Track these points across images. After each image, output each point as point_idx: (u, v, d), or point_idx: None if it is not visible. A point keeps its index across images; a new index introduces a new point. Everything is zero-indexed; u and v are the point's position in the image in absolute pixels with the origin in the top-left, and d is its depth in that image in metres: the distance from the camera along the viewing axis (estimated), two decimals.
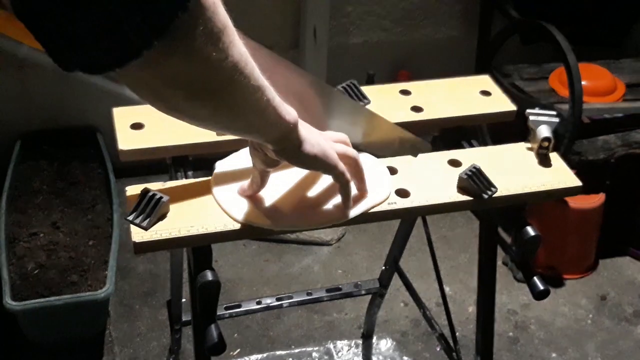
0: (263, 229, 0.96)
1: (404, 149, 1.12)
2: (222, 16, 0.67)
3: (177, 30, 0.61)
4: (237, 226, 0.95)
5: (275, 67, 0.97)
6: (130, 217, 0.93)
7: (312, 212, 0.98)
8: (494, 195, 1.03)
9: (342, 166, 0.94)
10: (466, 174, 1.02)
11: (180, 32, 0.62)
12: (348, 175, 0.95)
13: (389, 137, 1.13)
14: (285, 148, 0.88)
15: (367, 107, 1.16)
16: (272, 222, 0.96)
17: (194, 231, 0.94)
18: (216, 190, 1.00)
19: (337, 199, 0.98)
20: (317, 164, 0.91)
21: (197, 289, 0.95)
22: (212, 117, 0.78)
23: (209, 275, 0.94)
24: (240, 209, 0.96)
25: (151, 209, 0.93)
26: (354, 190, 0.98)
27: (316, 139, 0.91)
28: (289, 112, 0.85)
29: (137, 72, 0.66)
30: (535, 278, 1.11)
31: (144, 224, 0.92)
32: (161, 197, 0.94)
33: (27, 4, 0.57)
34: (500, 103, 1.23)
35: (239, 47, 0.71)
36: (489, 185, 1.03)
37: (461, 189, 1.04)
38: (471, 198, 1.03)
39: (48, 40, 0.59)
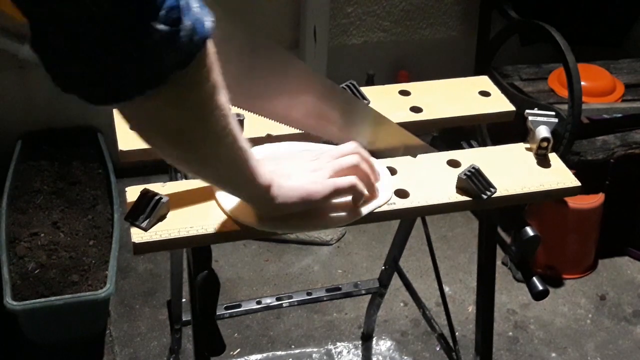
0: (265, 231, 0.96)
1: (407, 151, 1.13)
2: (216, 76, 0.71)
3: (173, 82, 0.65)
4: (237, 227, 0.95)
5: (288, 67, 0.98)
6: (130, 218, 0.93)
7: (319, 214, 0.97)
8: (493, 196, 1.03)
9: (339, 186, 0.94)
10: (465, 174, 1.03)
11: (175, 84, 0.66)
12: (352, 187, 0.96)
13: (396, 142, 1.13)
14: (262, 206, 0.91)
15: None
16: (279, 225, 0.95)
17: (193, 232, 0.94)
18: (220, 194, 0.99)
19: (343, 201, 0.98)
20: (304, 204, 0.93)
21: (196, 289, 0.95)
22: (186, 163, 0.81)
23: (209, 276, 0.95)
24: (245, 213, 0.96)
25: (151, 209, 0.93)
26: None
27: (294, 184, 0.92)
28: (262, 174, 0.87)
29: (125, 109, 0.70)
30: (534, 278, 1.12)
31: (144, 224, 0.93)
32: (161, 198, 0.94)
33: (41, 41, 0.63)
34: (499, 103, 1.23)
35: (226, 106, 0.74)
36: (488, 185, 1.04)
37: (460, 189, 1.04)
38: (470, 198, 1.03)
39: (53, 71, 0.66)
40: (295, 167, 0.95)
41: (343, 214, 0.98)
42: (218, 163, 0.81)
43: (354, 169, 0.97)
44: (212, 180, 0.88)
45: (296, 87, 0.99)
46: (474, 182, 1.02)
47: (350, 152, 0.99)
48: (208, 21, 0.66)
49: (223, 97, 0.73)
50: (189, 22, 0.64)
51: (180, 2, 0.62)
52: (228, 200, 0.97)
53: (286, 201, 0.91)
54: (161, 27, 0.61)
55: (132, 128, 0.74)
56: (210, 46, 0.68)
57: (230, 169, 0.83)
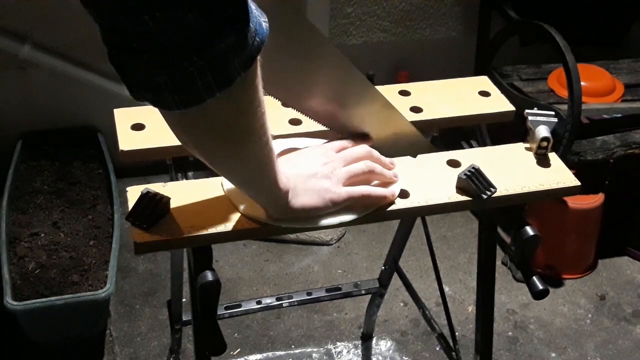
0: (265, 231, 0.96)
1: (409, 148, 1.13)
2: (260, 73, 0.73)
3: (238, 84, 0.68)
4: (238, 226, 0.95)
5: (315, 48, 0.98)
6: (131, 218, 0.93)
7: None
8: (493, 196, 1.04)
9: (352, 195, 0.97)
10: (465, 174, 1.03)
11: (236, 85, 0.69)
12: (365, 197, 0.98)
13: (400, 133, 1.13)
14: (276, 209, 0.93)
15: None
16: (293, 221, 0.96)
17: (194, 232, 0.94)
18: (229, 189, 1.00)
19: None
20: (317, 211, 0.95)
21: (197, 289, 0.95)
22: (224, 162, 0.82)
23: (209, 276, 0.95)
24: (254, 207, 0.96)
25: (151, 209, 0.93)
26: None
27: (309, 191, 0.94)
28: (282, 178, 0.89)
29: (184, 115, 0.71)
30: (534, 278, 1.12)
31: (145, 224, 0.93)
32: (162, 198, 0.94)
33: (120, 54, 0.65)
34: (499, 103, 1.23)
35: (264, 103, 0.77)
36: (488, 185, 1.04)
37: (460, 189, 1.04)
38: (470, 198, 1.03)
39: (130, 81, 0.68)
40: (309, 171, 0.96)
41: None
42: (251, 162, 0.82)
43: (368, 174, 1.00)
44: (238, 180, 0.89)
45: (317, 70, 1.01)
46: (473, 182, 1.02)
47: (362, 155, 1.01)
48: (265, 22, 0.69)
49: (262, 94, 0.75)
50: (252, 25, 0.67)
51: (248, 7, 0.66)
52: (240, 198, 0.97)
53: (301, 207, 0.93)
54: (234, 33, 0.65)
55: (180, 132, 0.75)
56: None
57: (258, 168, 0.84)
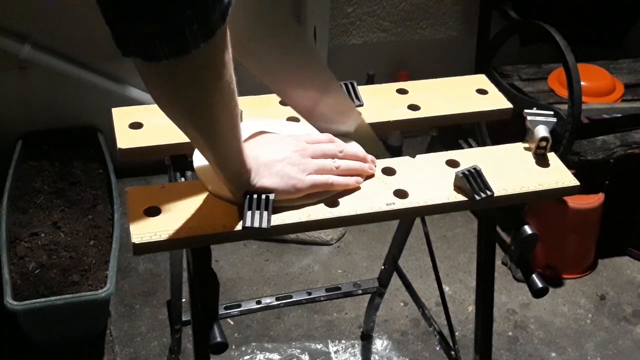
0: (266, 230, 0.96)
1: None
2: (230, 53, 0.80)
3: (215, 38, 0.74)
4: (238, 227, 0.95)
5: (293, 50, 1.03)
6: (248, 223, 0.94)
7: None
8: (488, 198, 1.03)
9: (316, 183, 1.00)
10: (463, 172, 1.03)
11: (213, 44, 0.75)
12: (329, 185, 1.01)
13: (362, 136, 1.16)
14: (238, 187, 0.95)
15: (361, 109, 1.17)
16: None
17: (193, 232, 0.94)
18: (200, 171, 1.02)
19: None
20: (279, 195, 0.97)
21: (196, 290, 0.95)
22: (197, 132, 0.87)
23: (208, 277, 0.95)
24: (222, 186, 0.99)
25: (263, 208, 0.95)
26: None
27: (273, 175, 0.97)
28: (246, 157, 0.93)
29: (165, 71, 0.76)
30: (534, 276, 1.12)
31: (264, 224, 0.94)
32: (268, 196, 0.95)
33: (115, 7, 0.70)
34: (496, 101, 1.23)
35: (234, 82, 0.83)
36: (485, 187, 1.03)
37: (457, 187, 1.04)
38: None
39: (118, 34, 0.73)
40: (277, 157, 0.99)
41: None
42: (220, 121, 0.85)
43: (336, 171, 1.03)
44: (205, 143, 0.91)
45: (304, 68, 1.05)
46: (470, 181, 1.02)
47: (333, 152, 1.04)
48: None
49: (232, 73, 0.81)
50: None
51: None
52: (208, 177, 1.00)
53: (262, 188, 0.96)
54: None
55: (158, 86, 0.79)
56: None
57: (226, 129, 0.87)
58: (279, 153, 1.00)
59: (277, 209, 0.98)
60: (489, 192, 1.03)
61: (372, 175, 1.06)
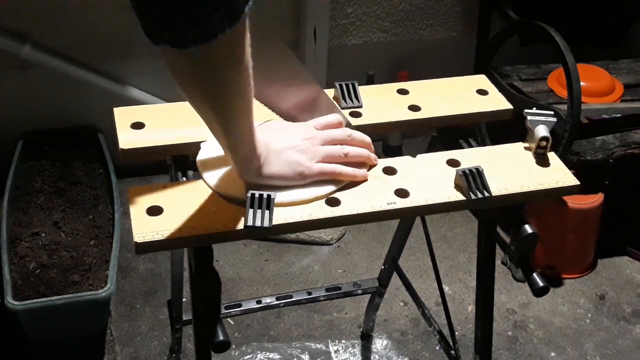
0: (267, 229, 0.97)
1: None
2: (248, 46, 0.83)
3: (239, 24, 0.77)
4: (238, 226, 0.96)
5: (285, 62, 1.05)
6: (250, 222, 0.94)
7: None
8: (489, 197, 1.03)
9: (324, 171, 1.02)
10: (463, 171, 1.03)
11: (240, 25, 0.77)
12: (336, 175, 1.03)
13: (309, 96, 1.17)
14: (247, 172, 0.98)
15: (360, 110, 1.18)
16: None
17: (194, 232, 0.94)
18: (207, 175, 1.02)
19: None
20: (286, 182, 1.00)
21: (198, 289, 0.95)
22: (214, 115, 0.89)
23: (210, 275, 0.95)
24: (232, 186, 0.99)
25: (265, 207, 0.95)
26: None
27: (281, 162, 1.00)
28: (257, 141, 0.95)
29: (193, 56, 0.78)
30: (534, 275, 1.13)
31: (266, 223, 0.94)
32: (269, 195, 0.96)
33: None
34: (497, 101, 1.24)
35: (250, 70, 0.85)
36: (483, 188, 1.04)
37: (457, 186, 1.05)
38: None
39: (148, 23, 0.75)
40: (286, 144, 1.01)
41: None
42: (237, 105, 0.88)
43: (345, 157, 1.04)
44: (221, 132, 0.92)
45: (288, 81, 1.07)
46: (468, 180, 1.03)
47: (343, 137, 1.06)
48: None
49: (250, 58, 0.84)
50: None
51: None
52: (215, 177, 1.01)
53: (270, 174, 0.98)
54: None
55: (183, 71, 0.81)
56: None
57: (241, 126, 0.90)
58: (289, 140, 1.02)
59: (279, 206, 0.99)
60: (486, 193, 1.03)
61: (374, 166, 1.08)
